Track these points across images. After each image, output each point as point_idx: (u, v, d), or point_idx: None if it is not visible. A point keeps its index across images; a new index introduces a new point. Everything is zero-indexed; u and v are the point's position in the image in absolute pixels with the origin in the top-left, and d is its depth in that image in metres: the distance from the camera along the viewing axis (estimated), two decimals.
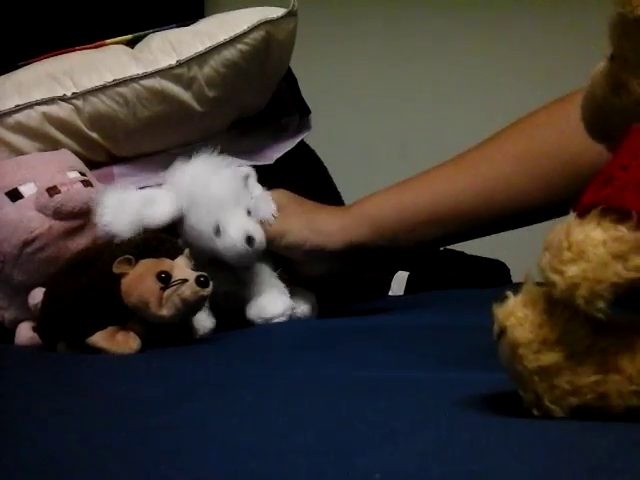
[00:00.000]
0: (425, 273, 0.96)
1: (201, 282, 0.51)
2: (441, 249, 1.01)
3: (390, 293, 0.96)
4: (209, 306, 0.58)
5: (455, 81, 1.52)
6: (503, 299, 0.27)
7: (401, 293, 0.96)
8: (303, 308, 0.63)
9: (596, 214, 0.25)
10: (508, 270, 1.02)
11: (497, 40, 1.52)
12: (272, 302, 0.60)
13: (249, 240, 0.57)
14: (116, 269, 0.52)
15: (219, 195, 0.59)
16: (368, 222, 0.61)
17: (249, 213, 0.60)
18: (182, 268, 0.53)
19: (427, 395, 0.32)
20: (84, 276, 0.54)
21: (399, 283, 0.95)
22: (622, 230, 0.24)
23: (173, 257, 0.54)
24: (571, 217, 0.26)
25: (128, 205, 0.58)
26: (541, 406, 0.26)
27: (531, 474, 0.21)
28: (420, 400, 0.31)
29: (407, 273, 0.96)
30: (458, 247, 0.94)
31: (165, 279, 0.51)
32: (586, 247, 0.24)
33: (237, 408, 0.32)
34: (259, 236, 0.58)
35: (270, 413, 0.31)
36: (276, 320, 0.60)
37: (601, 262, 0.24)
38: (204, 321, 0.58)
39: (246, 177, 0.62)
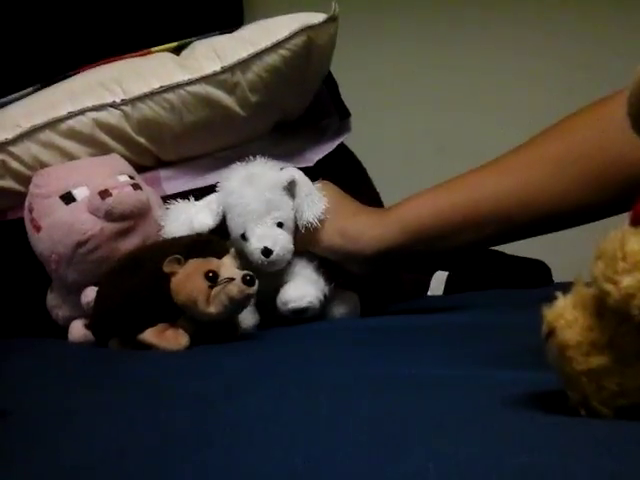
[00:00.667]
0: (464, 273, 0.96)
1: (247, 280, 0.53)
2: None
3: (429, 293, 0.96)
4: (254, 303, 0.60)
5: (492, 81, 1.51)
6: (552, 300, 0.27)
7: (440, 293, 0.96)
8: (345, 308, 0.64)
9: None
10: (549, 270, 1.01)
11: (536, 42, 1.50)
12: (294, 288, 0.61)
13: (266, 252, 0.61)
14: (166, 268, 0.54)
15: (249, 203, 0.62)
16: (404, 228, 0.61)
17: (280, 225, 0.62)
18: (229, 267, 0.54)
19: (475, 392, 0.33)
20: (135, 276, 0.56)
21: (438, 283, 0.95)
22: None
23: (220, 256, 0.55)
24: (625, 226, 0.26)
25: (183, 213, 0.63)
26: (588, 406, 0.26)
27: (579, 468, 0.22)
28: (468, 397, 0.32)
29: (446, 273, 0.96)
30: (499, 247, 0.93)
31: (213, 278, 0.53)
32: None
33: (286, 402, 0.33)
34: (279, 248, 0.61)
35: (320, 407, 0.32)
36: (297, 305, 0.60)
37: None
38: (248, 318, 0.60)
39: (290, 183, 0.63)
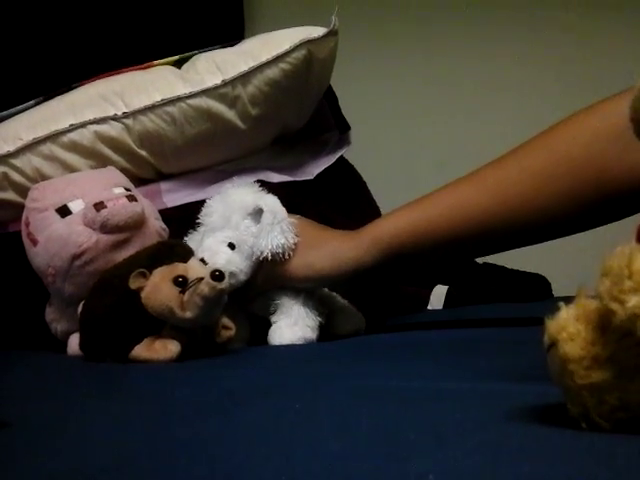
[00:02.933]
0: (464, 287, 0.96)
1: (216, 276, 0.51)
2: (480, 263, 1.01)
3: (429, 307, 0.96)
4: (247, 316, 0.60)
5: (492, 96, 1.52)
6: (555, 311, 0.27)
7: (440, 307, 0.96)
8: (350, 325, 0.65)
9: None
10: (549, 284, 1.01)
11: (534, 56, 1.51)
12: (279, 335, 0.60)
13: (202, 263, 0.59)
14: (132, 285, 0.53)
15: (211, 215, 0.63)
16: (381, 249, 0.60)
17: (232, 246, 0.61)
18: (196, 268, 0.53)
19: (475, 404, 0.33)
20: (106, 297, 0.55)
21: (438, 297, 0.95)
22: None
23: (185, 260, 0.54)
24: (632, 243, 0.25)
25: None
26: (589, 419, 0.26)
27: (578, 479, 0.22)
28: (468, 409, 0.32)
29: (446, 287, 0.96)
30: (498, 261, 0.93)
31: (182, 282, 0.52)
32: None
33: (287, 414, 0.33)
34: (213, 264, 0.58)
35: (321, 419, 0.32)
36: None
37: None
38: (240, 329, 0.59)
39: (257, 210, 0.62)
